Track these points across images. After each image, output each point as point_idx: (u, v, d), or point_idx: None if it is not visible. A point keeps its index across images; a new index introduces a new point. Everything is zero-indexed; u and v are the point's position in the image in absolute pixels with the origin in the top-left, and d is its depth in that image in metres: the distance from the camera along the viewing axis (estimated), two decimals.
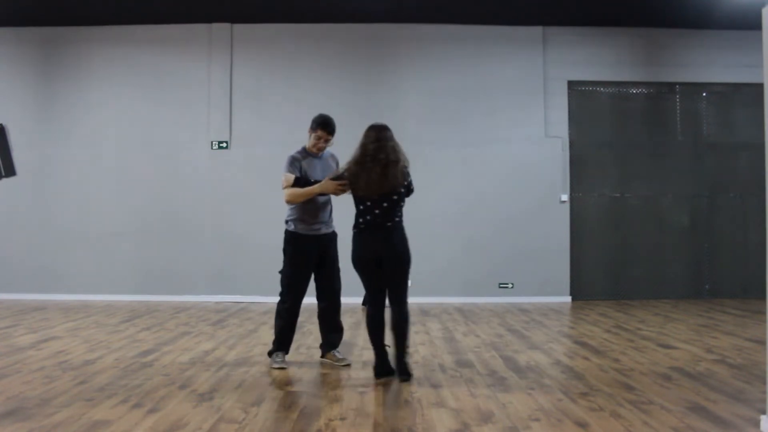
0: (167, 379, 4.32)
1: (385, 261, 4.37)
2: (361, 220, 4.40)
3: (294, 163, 4.74)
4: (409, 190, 4.46)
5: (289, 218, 4.82)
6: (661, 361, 4.98)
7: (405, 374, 4.34)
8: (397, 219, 4.40)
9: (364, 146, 4.38)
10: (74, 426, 3.28)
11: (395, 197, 4.35)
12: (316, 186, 4.59)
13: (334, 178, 4.49)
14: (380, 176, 4.29)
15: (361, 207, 4.40)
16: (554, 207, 9.14)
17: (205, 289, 9.00)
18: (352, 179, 4.36)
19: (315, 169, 4.77)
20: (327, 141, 4.81)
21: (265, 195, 8.35)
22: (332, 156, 4.99)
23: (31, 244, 9.10)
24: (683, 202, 9.44)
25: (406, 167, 4.39)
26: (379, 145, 4.35)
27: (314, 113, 4.92)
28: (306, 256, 4.78)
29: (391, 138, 4.41)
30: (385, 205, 4.34)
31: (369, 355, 5.18)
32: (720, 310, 8.03)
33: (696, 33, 9.37)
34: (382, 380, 4.33)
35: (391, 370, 4.37)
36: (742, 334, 6.30)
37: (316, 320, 5.05)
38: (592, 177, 9.35)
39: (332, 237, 4.95)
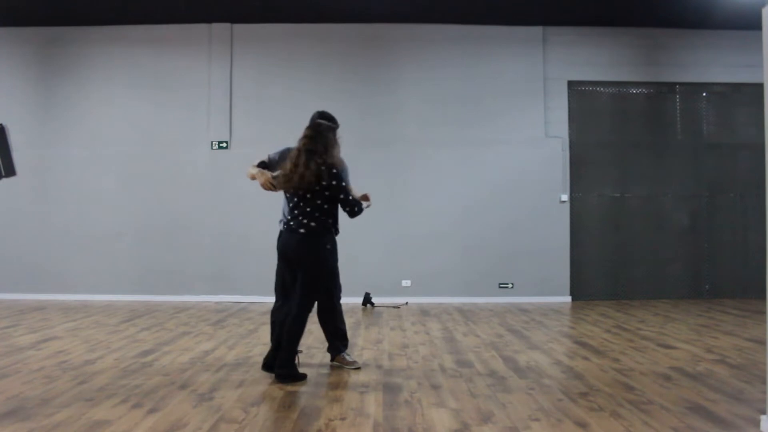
0: (167, 379, 4.32)
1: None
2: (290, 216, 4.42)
3: (283, 153, 4.67)
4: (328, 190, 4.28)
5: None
6: (661, 361, 4.98)
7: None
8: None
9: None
10: (74, 426, 3.27)
11: (308, 195, 4.30)
12: (255, 170, 4.60)
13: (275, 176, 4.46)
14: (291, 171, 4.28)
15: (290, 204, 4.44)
16: (554, 207, 9.14)
17: (205, 289, 8.99)
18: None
19: None
20: None
21: (265, 195, 8.32)
22: None
23: (31, 244, 9.10)
24: (683, 202, 9.44)
25: (324, 166, 4.23)
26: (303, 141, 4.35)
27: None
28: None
29: (321, 134, 4.31)
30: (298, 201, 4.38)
31: (368, 354, 5.20)
32: (720, 310, 8.03)
33: (696, 33, 9.36)
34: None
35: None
36: (742, 334, 6.30)
37: (316, 320, 5.03)
38: (592, 177, 9.35)
39: None
